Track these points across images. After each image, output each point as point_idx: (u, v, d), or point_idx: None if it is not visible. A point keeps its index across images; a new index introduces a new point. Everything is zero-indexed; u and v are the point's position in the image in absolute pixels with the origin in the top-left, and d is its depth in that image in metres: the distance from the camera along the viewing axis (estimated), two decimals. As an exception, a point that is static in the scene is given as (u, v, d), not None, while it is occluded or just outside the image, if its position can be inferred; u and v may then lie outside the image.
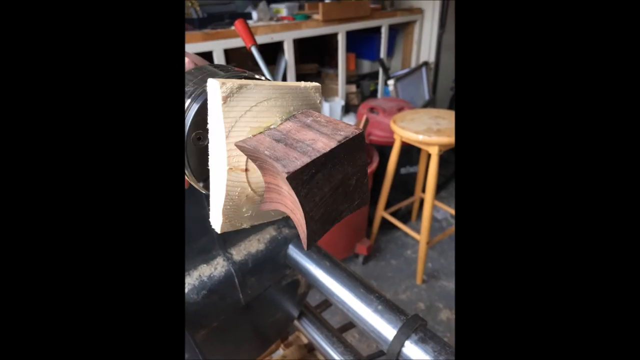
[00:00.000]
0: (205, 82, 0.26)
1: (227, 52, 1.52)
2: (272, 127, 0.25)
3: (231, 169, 0.24)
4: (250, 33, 0.60)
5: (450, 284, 1.65)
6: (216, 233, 0.26)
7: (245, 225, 0.27)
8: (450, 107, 2.52)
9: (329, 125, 0.24)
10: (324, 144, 0.22)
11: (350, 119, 2.19)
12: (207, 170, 0.26)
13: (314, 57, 2.40)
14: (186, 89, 0.26)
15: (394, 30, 2.51)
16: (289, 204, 0.23)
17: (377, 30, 2.23)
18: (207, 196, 0.26)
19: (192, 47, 1.40)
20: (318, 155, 0.22)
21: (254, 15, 1.75)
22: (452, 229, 1.76)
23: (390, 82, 2.18)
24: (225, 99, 0.23)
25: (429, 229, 1.52)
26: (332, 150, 0.22)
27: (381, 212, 1.76)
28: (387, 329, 0.47)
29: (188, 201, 0.47)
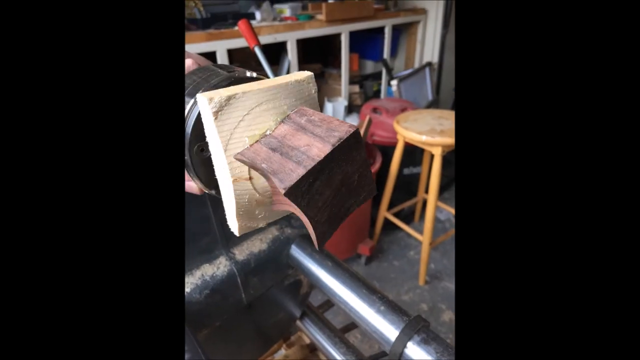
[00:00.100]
0: (207, 82, 0.26)
1: (231, 52, 1.53)
2: (267, 133, 0.25)
3: (235, 180, 0.24)
4: (254, 33, 0.60)
5: (452, 285, 1.64)
6: (218, 233, 0.26)
7: (262, 225, 0.28)
8: (453, 108, 2.52)
9: (323, 125, 0.24)
10: (319, 150, 0.22)
11: (353, 119, 2.19)
12: (216, 179, 0.26)
13: (317, 58, 2.40)
14: (187, 90, 0.26)
15: (398, 30, 2.51)
16: (296, 208, 0.23)
17: (381, 30, 2.23)
18: (211, 196, 0.26)
19: (196, 47, 1.40)
20: (313, 164, 0.21)
21: (258, 15, 1.76)
22: (455, 230, 1.76)
23: (394, 82, 2.18)
24: (216, 114, 0.22)
25: (431, 229, 1.52)
26: (327, 156, 0.22)
27: (384, 213, 1.76)
28: (389, 330, 0.47)
29: (190, 201, 0.48)
